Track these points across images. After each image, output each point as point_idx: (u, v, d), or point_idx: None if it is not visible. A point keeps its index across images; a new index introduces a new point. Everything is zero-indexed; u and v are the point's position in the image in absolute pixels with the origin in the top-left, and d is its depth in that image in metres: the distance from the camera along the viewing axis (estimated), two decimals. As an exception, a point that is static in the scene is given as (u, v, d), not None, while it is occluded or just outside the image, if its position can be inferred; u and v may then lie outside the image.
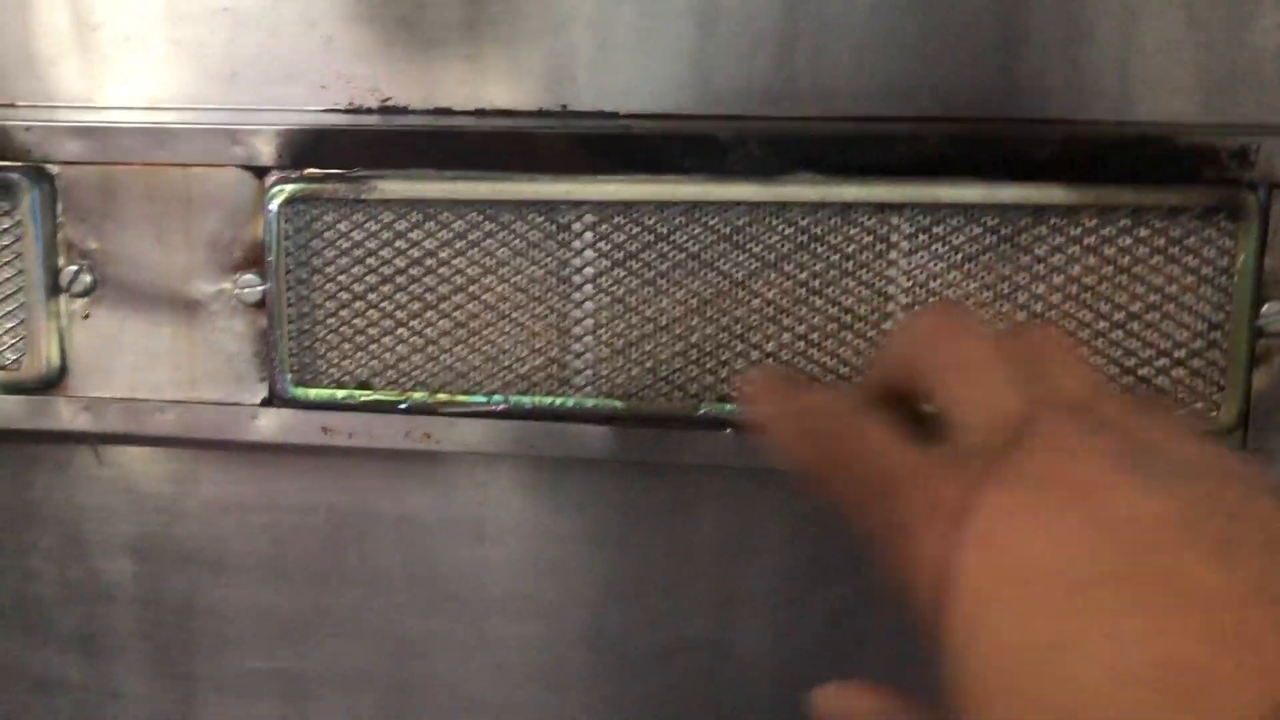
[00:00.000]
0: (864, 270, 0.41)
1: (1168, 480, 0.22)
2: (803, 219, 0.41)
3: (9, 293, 0.44)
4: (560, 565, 0.46)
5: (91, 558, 0.48)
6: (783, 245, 0.41)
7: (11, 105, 0.45)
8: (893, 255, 0.41)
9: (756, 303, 0.41)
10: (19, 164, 0.43)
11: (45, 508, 0.48)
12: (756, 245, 0.41)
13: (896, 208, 0.40)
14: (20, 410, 0.45)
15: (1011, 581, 0.21)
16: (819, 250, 0.41)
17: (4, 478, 0.48)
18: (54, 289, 0.44)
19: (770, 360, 0.42)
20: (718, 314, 0.42)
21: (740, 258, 0.41)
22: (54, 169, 0.43)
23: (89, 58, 0.44)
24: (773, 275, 0.41)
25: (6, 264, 0.44)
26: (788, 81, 0.42)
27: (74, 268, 0.44)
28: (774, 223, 0.41)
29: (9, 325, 0.45)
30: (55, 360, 0.44)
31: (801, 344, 0.42)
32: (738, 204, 0.41)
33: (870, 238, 0.41)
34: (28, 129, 0.43)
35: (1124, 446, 0.22)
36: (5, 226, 0.44)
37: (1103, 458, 0.22)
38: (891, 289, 0.41)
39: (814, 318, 0.42)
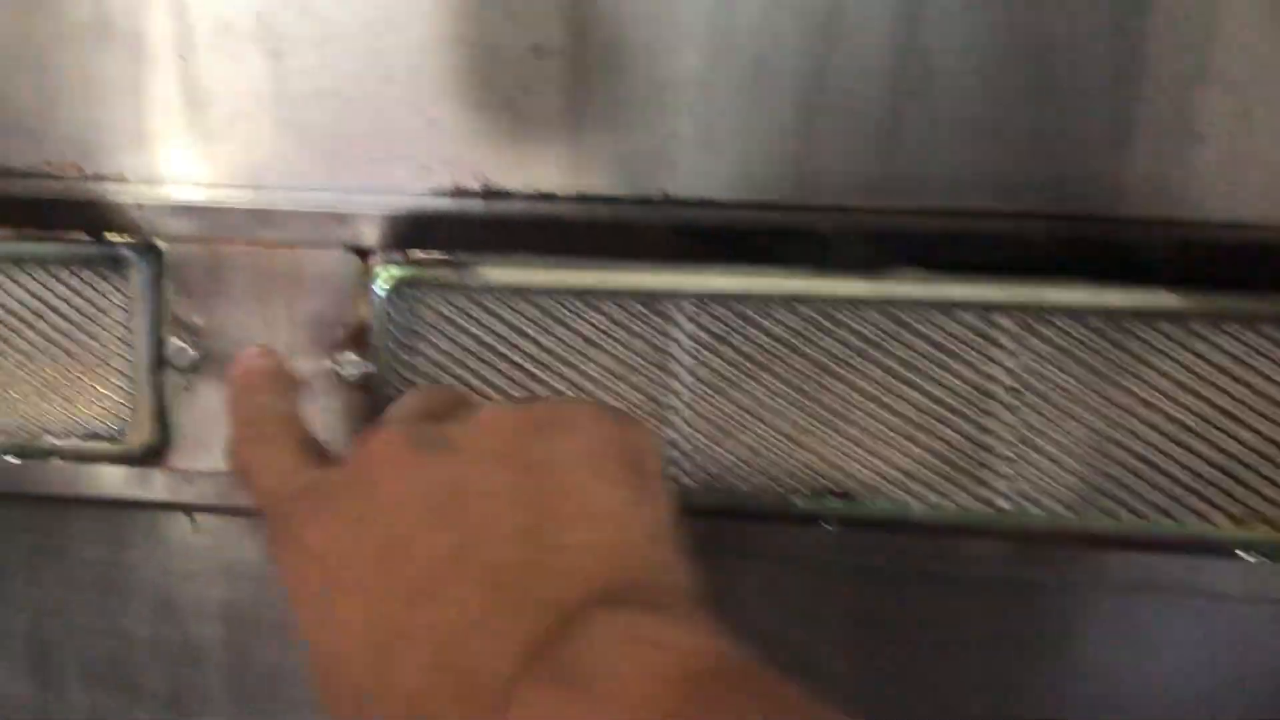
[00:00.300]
0: (966, 366, 0.41)
1: (428, 464, 0.26)
2: (905, 314, 0.40)
3: (116, 365, 0.45)
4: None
5: (183, 622, 0.49)
6: (883, 338, 0.41)
7: (122, 179, 0.46)
8: (995, 352, 0.41)
9: (854, 394, 0.41)
10: (129, 239, 0.44)
11: (140, 572, 0.49)
12: (856, 337, 0.41)
13: (1001, 307, 0.40)
14: (121, 480, 0.46)
15: (304, 572, 0.26)
16: (920, 344, 0.41)
17: (102, 543, 0.49)
18: (159, 363, 0.45)
19: (870, 451, 0.42)
20: (815, 405, 0.41)
21: (839, 349, 0.41)
22: (163, 245, 0.44)
23: (197, 135, 0.45)
24: (872, 367, 0.41)
25: (116, 338, 0.45)
26: (892, 173, 0.41)
27: (179, 342, 0.44)
28: (875, 316, 0.41)
29: (114, 398, 0.46)
30: (157, 432, 0.45)
31: (899, 436, 0.41)
32: (840, 300, 0.41)
33: (973, 334, 0.41)
34: (139, 205, 0.44)
35: (410, 439, 0.27)
36: (115, 300, 0.45)
37: (388, 461, 0.26)
38: (993, 386, 0.41)
39: (912, 410, 0.41)
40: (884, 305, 0.40)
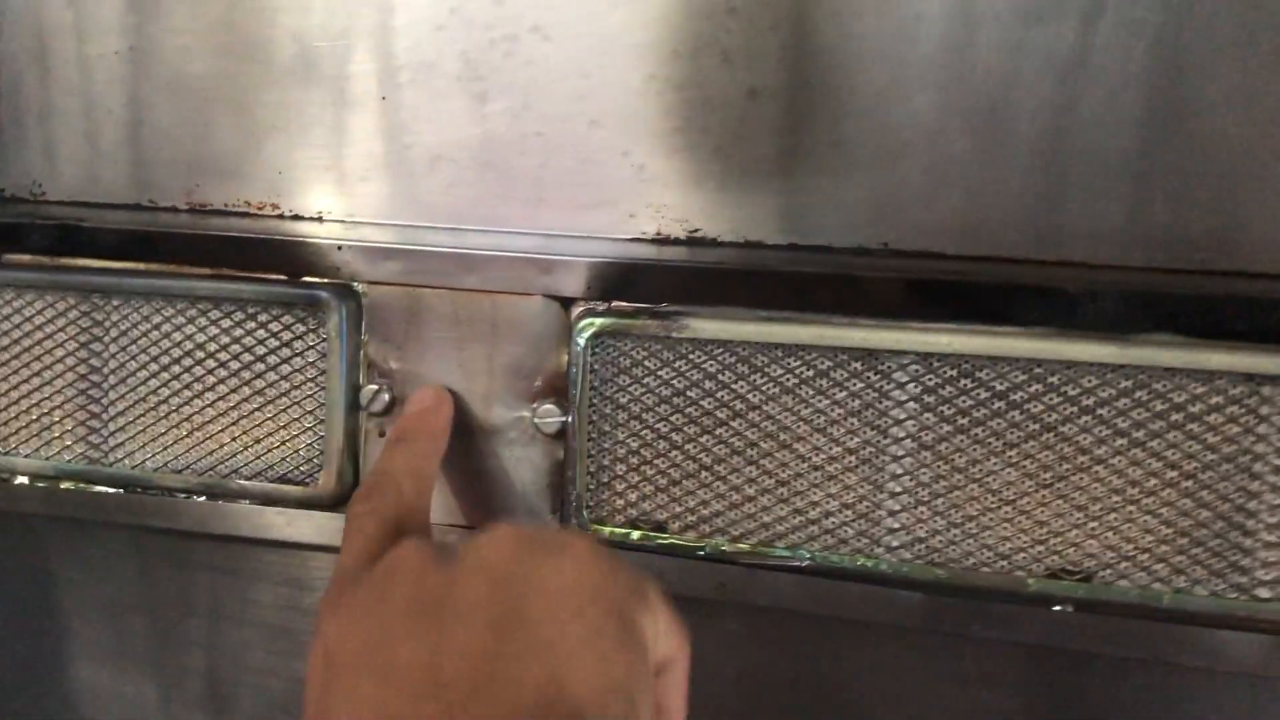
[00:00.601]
0: (1224, 439, 0.37)
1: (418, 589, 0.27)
2: (1160, 384, 0.37)
3: (308, 408, 0.45)
4: (849, 726, 0.43)
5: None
6: (1137, 412, 0.37)
7: (320, 220, 0.45)
8: (1263, 429, 0.37)
9: (1106, 476, 0.38)
10: (327, 281, 0.43)
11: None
12: (1107, 410, 0.37)
13: (1270, 378, 0.36)
14: (310, 526, 0.45)
15: (315, 658, 0.28)
16: (1173, 415, 0.37)
17: (283, 585, 0.48)
18: (353, 406, 0.44)
19: (1111, 528, 0.38)
20: (1060, 485, 0.38)
21: (1088, 423, 0.38)
22: (361, 288, 0.43)
23: (398, 177, 0.44)
24: (1116, 437, 0.38)
25: (309, 380, 0.44)
26: (1144, 228, 0.38)
27: (374, 387, 0.43)
28: (1127, 385, 0.37)
29: (307, 440, 0.45)
30: (349, 477, 0.44)
31: (1144, 514, 0.38)
32: (1086, 364, 0.37)
33: (1235, 406, 0.37)
34: (339, 248, 0.43)
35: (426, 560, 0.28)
36: (311, 343, 0.44)
37: (407, 566, 0.28)
38: (1260, 466, 0.37)
39: (1160, 485, 0.38)
40: (1134, 371, 0.37)
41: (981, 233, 0.39)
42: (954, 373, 0.39)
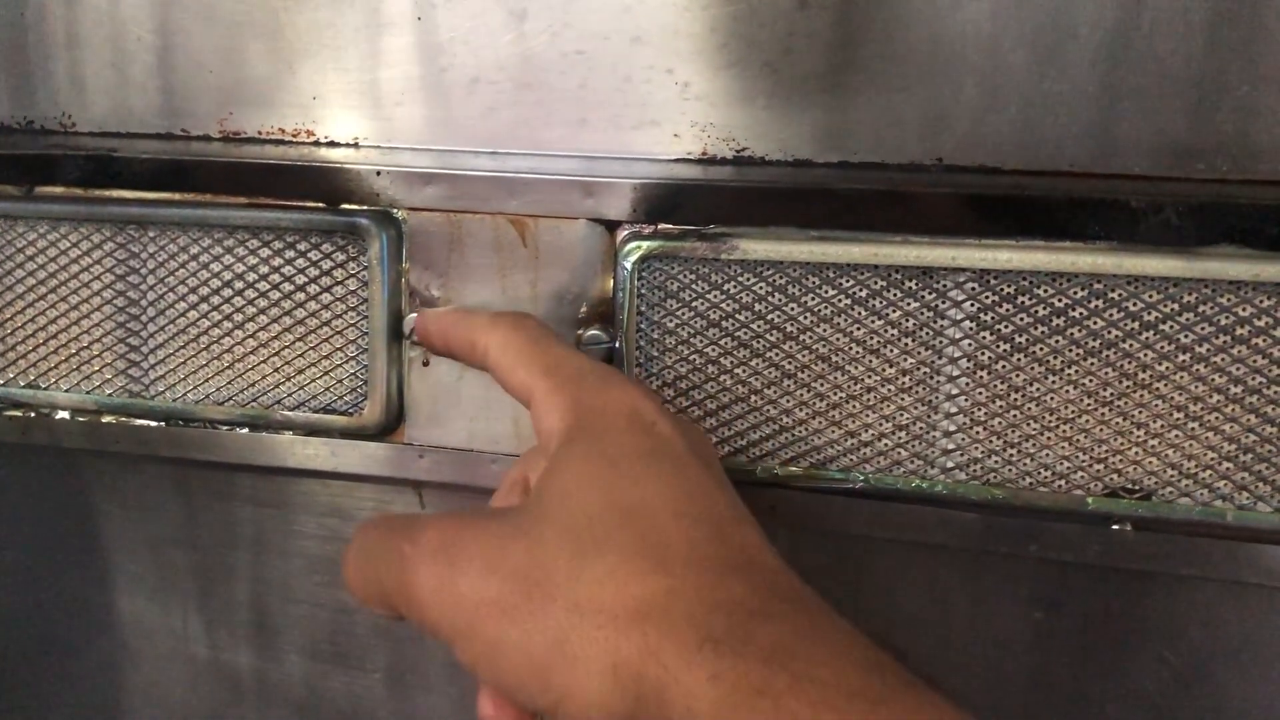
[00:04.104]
0: (1288, 354, 0.36)
1: None
2: (1225, 298, 0.36)
3: (350, 338, 0.44)
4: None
5: (405, 598, 0.48)
6: (1201, 327, 0.36)
7: (356, 146, 0.44)
8: (1329, 341, 0.36)
9: (1168, 392, 0.37)
10: (368, 208, 0.43)
11: (365, 546, 0.48)
12: (1169, 326, 0.37)
13: (1340, 289, 0.35)
14: (355, 455, 0.45)
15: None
16: (1245, 335, 0.36)
17: (328, 516, 0.48)
18: (396, 335, 0.43)
19: (1174, 446, 0.37)
20: (1120, 403, 0.38)
21: (1150, 339, 0.37)
22: (401, 214, 0.43)
23: (435, 99, 0.43)
24: (1188, 361, 0.37)
25: (351, 309, 0.44)
26: (1209, 138, 0.37)
27: (416, 315, 0.43)
28: (1190, 300, 0.36)
29: (351, 370, 0.44)
30: (394, 407, 0.44)
31: (1208, 431, 0.37)
32: (1149, 279, 0.36)
33: (1302, 321, 0.36)
34: (378, 173, 0.42)
35: None
36: (352, 271, 0.44)
37: None
38: (1326, 380, 0.36)
39: (1236, 413, 0.37)
40: (1197, 285, 0.36)
41: (1039, 146, 0.38)
42: (1011, 290, 0.38)
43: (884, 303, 0.39)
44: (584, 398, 0.30)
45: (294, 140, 0.45)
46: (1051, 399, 0.38)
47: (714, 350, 0.41)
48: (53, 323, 0.47)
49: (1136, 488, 0.38)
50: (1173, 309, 0.37)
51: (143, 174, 0.45)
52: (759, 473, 0.41)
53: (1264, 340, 0.36)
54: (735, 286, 0.40)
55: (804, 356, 0.40)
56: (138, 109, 0.46)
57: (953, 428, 0.39)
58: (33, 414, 0.48)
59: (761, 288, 0.40)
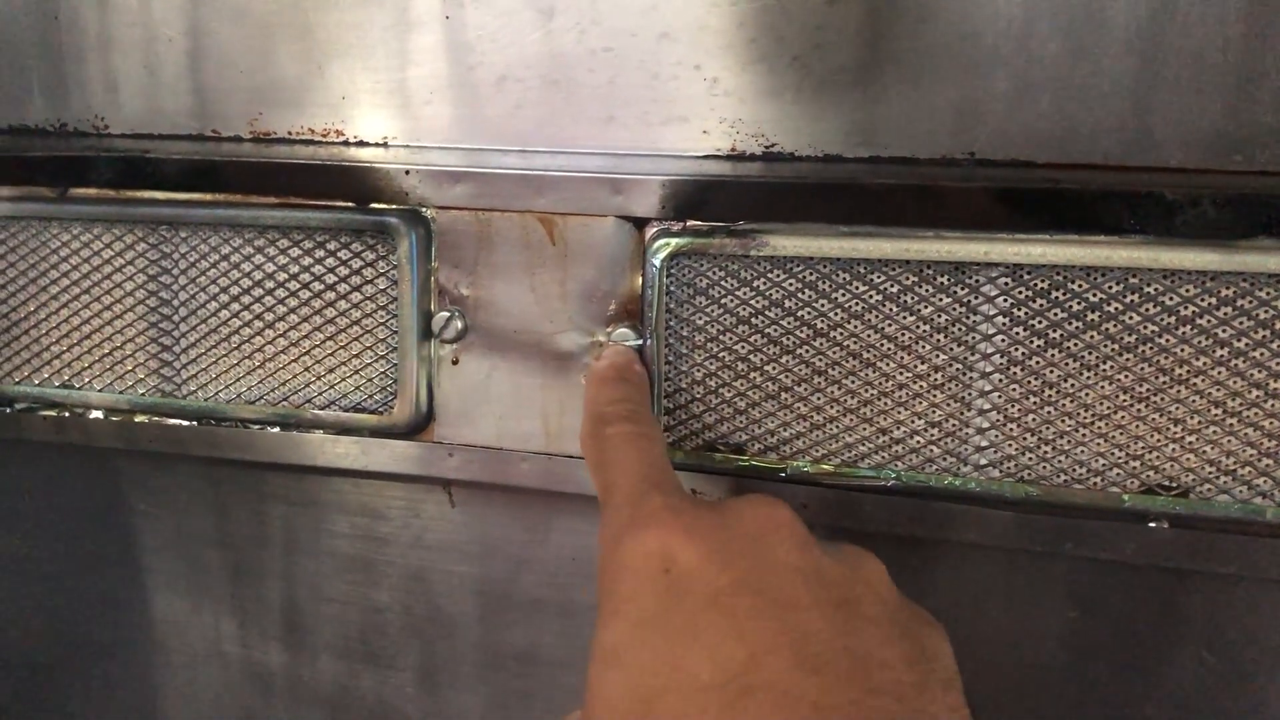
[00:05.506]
0: (1329, 349, 0.36)
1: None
2: (1264, 292, 0.36)
3: (380, 337, 0.44)
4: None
5: (434, 597, 0.48)
6: (1239, 321, 0.36)
7: (385, 145, 0.45)
8: (1372, 335, 0.35)
9: (1206, 388, 0.37)
10: (397, 207, 0.43)
11: (393, 545, 0.48)
12: (1207, 320, 0.36)
13: (1383, 282, 0.35)
14: (385, 454, 0.45)
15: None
16: (1278, 323, 0.36)
17: (358, 515, 0.48)
18: (425, 333, 0.43)
19: (1211, 442, 0.37)
20: (1157, 399, 0.37)
21: (1186, 334, 0.36)
22: (430, 213, 0.43)
23: (463, 98, 0.43)
24: (1226, 356, 0.36)
25: (381, 308, 0.44)
26: (1247, 129, 0.36)
27: (446, 313, 0.43)
28: (1228, 294, 0.36)
29: (381, 368, 0.45)
30: (424, 405, 0.44)
31: (1247, 427, 0.37)
32: (1185, 273, 0.36)
33: (1343, 314, 0.35)
34: (407, 172, 0.42)
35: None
36: (381, 270, 0.44)
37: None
38: (1369, 375, 0.35)
39: (1276, 409, 0.36)
40: (1235, 278, 0.36)
41: (1073, 139, 0.38)
42: (1045, 285, 0.37)
43: (916, 298, 0.39)
44: None
45: (323, 140, 0.45)
46: (1086, 395, 0.38)
47: (744, 347, 0.40)
48: (86, 323, 0.48)
49: (1173, 485, 0.37)
50: (1210, 303, 0.36)
51: (174, 175, 0.45)
52: (789, 470, 0.40)
53: (1305, 334, 0.35)
54: (765, 283, 0.40)
55: (835, 353, 0.40)
56: (169, 111, 0.47)
57: (986, 424, 0.39)
58: (66, 414, 0.49)
59: (791, 284, 0.40)
